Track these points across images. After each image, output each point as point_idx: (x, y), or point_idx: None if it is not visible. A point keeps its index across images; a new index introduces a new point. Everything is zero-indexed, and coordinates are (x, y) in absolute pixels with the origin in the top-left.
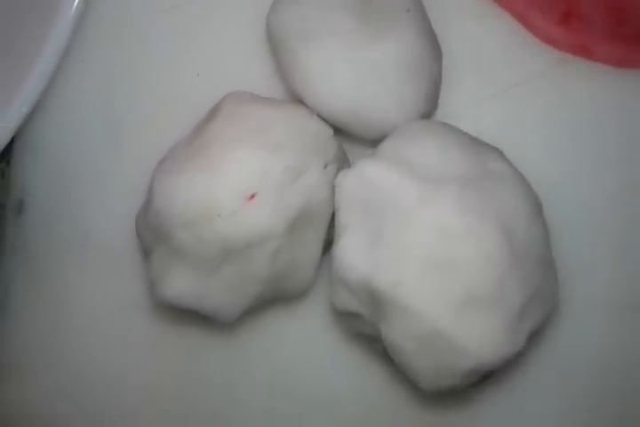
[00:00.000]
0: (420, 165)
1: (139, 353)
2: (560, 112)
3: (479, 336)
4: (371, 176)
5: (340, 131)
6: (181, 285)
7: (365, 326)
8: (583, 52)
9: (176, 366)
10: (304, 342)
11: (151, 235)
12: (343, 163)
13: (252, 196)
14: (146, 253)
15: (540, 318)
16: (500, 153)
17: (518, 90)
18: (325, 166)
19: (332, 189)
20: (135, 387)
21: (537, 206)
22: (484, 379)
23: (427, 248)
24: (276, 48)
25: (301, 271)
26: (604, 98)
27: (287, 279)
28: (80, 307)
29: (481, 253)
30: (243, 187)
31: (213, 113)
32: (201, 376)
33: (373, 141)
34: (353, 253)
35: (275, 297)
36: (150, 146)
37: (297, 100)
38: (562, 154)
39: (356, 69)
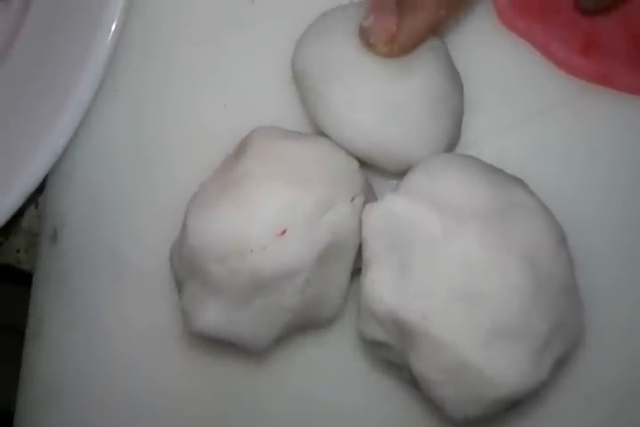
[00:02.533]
0: (445, 199)
1: (169, 378)
2: (582, 140)
3: (506, 366)
4: (396, 210)
5: (364, 163)
6: (214, 316)
7: (393, 356)
8: (604, 80)
9: (205, 392)
10: (332, 369)
11: (185, 268)
12: (369, 195)
13: (283, 231)
14: (179, 284)
15: (564, 346)
16: (522, 184)
17: (540, 119)
18: (352, 199)
19: (360, 220)
20: (165, 410)
21: (561, 236)
22: (511, 407)
23: (453, 281)
24: (300, 84)
25: (329, 301)
26: (626, 126)
27: (316, 309)
28: (112, 332)
29: (506, 285)
30: (274, 223)
31: (243, 148)
32: (229, 403)
33: (397, 173)
34: (380, 286)
35: (303, 326)
36: (180, 174)
37: (322, 133)
38: (584, 182)
39: (379, 106)
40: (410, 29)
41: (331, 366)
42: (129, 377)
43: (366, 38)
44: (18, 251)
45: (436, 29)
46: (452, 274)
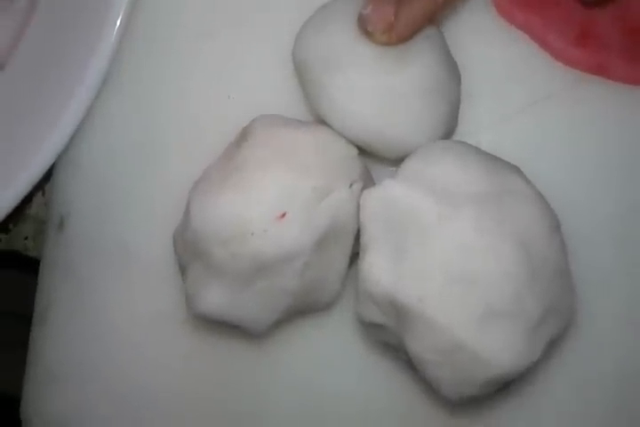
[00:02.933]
0: (441, 184)
1: (173, 362)
2: (577, 130)
3: (499, 347)
4: (393, 195)
5: (363, 151)
6: (216, 298)
7: (390, 337)
8: (600, 71)
9: (208, 374)
10: (331, 351)
11: (188, 252)
12: (367, 181)
13: (283, 215)
14: (182, 268)
15: (557, 328)
16: (518, 171)
17: (536, 108)
18: (351, 185)
19: (358, 206)
20: (169, 393)
21: (554, 222)
22: (504, 387)
23: (448, 264)
24: (301, 74)
25: (329, 284)
26: (622, 116)
27: (315, 292)
28: (118, 317)
29: (499, 269)
30: (274, 207)
31: (244, 135)
32: (231, 384)
33: (395, 161)
34: (378, 269)
35: (303, 309)
36: (185, 163)
37: (322, 121)
38: (579, 170)
39: (378, 94)
40: (407, 18)
41: (330, 349)
42: (134, 363)
43: (364, 27)
44: (26, 238)
45: (434, 18)
46: (447, 258)
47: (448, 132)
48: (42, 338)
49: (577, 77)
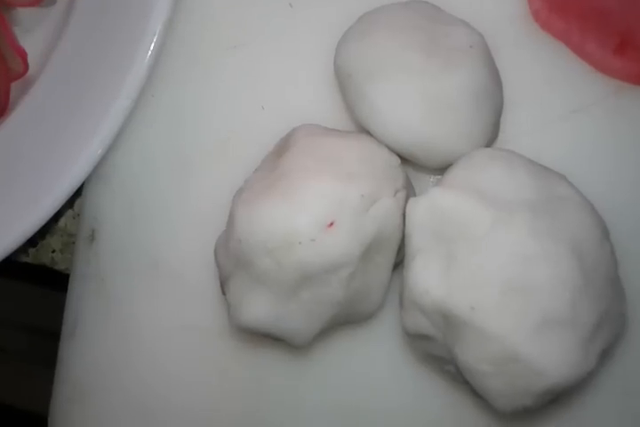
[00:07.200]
0: (490, 192)
1: (207, 377)
2: (618, 138)
3: (554, 357)
4: (442, 203)
5: (402, 159)
6: (260, 309)
7: (437, 349)
8: (639, 80)
9: (246, 387)
10: (373, 362)
11: (231, 262)
12: (410, 190)
13: (331, 224)
14: (224, 279)
15: (609, 337)
16: (564, 178)
17: (576, 117)
18: (395, 194)
19: (402, 215)
20: (204, 409)
21: (604, 230)
22: (557, 398)
23: (502, 272)
24: (343, 82)
25: (372, 295)
26: None
27: (359, 302)
28: (148, 331)
29: (555, 276)
30: (321, 215)
31: (286, 145)
32: (271, 398)
33: (436, 169)
34: (426, 278)
35: (346, 320)
36: (217, 176)
37: (363, 130)
38: (620, 178)
39: (423, 103)
40: None
41: (371, 360)
42: (164, 378)
43: None
44: (53, 251)
45: None
46: (502, 265)
47: (491, 139)
48: (71, 352)
49: (617, 86)
